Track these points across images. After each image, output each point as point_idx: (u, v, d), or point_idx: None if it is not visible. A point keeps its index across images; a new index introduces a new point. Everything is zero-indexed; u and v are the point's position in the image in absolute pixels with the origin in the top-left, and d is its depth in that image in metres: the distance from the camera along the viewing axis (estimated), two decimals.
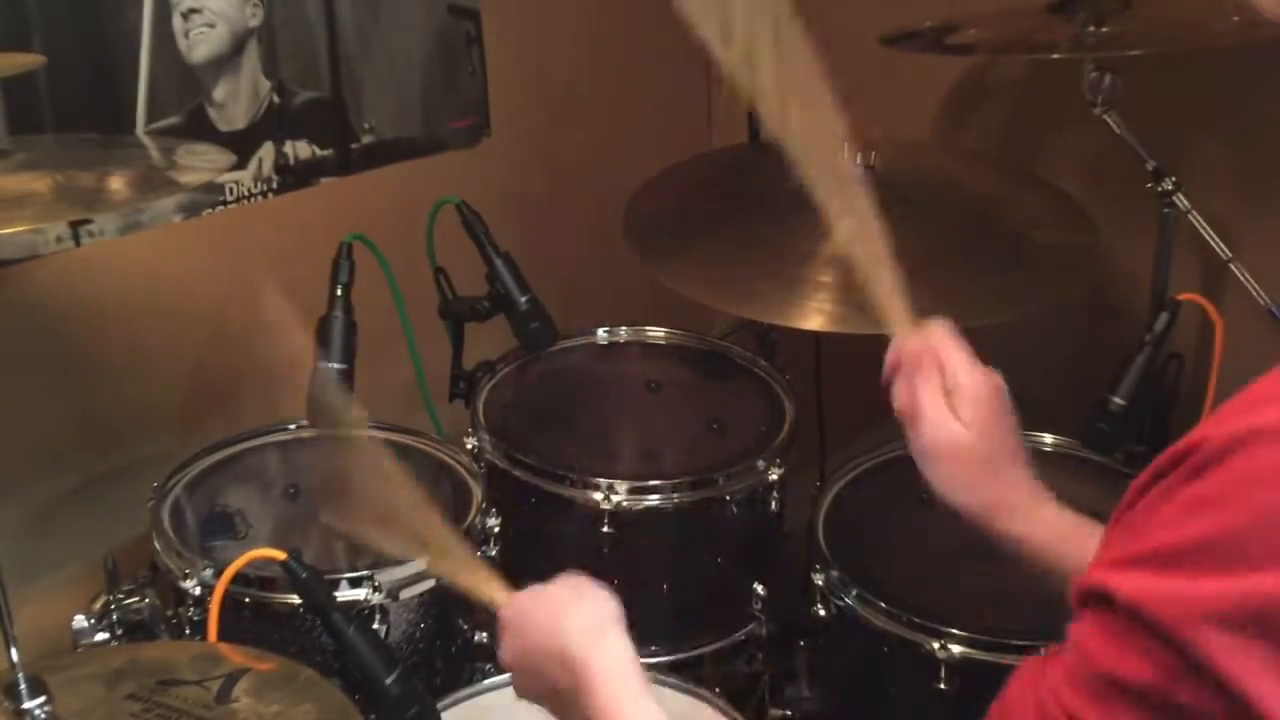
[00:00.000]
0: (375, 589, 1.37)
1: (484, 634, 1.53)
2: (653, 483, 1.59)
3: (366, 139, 1.87)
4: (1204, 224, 1.64)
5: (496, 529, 1.53)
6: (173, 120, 1.64)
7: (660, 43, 2.42)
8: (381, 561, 1.38)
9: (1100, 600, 0.66)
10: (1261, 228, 1.75)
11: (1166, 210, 1.65)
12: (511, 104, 2.08)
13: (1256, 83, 1.77)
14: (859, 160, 1.78)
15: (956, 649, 1.35)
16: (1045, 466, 1.72)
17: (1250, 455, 0.61)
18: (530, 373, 1.85)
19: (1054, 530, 1.04)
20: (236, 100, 1.71)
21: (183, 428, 1.71)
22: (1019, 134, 2.13)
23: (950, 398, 1.04)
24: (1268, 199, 1.82)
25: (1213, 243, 1.63)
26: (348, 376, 1.52)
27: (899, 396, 1.09)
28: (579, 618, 0.94)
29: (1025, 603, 1.50)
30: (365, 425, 1.25)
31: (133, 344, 1.67)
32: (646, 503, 1.58)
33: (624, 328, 1.92)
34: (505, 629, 1.00)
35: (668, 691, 1.39)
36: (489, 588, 1.05)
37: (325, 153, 1.83)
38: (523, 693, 1.00)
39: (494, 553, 1.53)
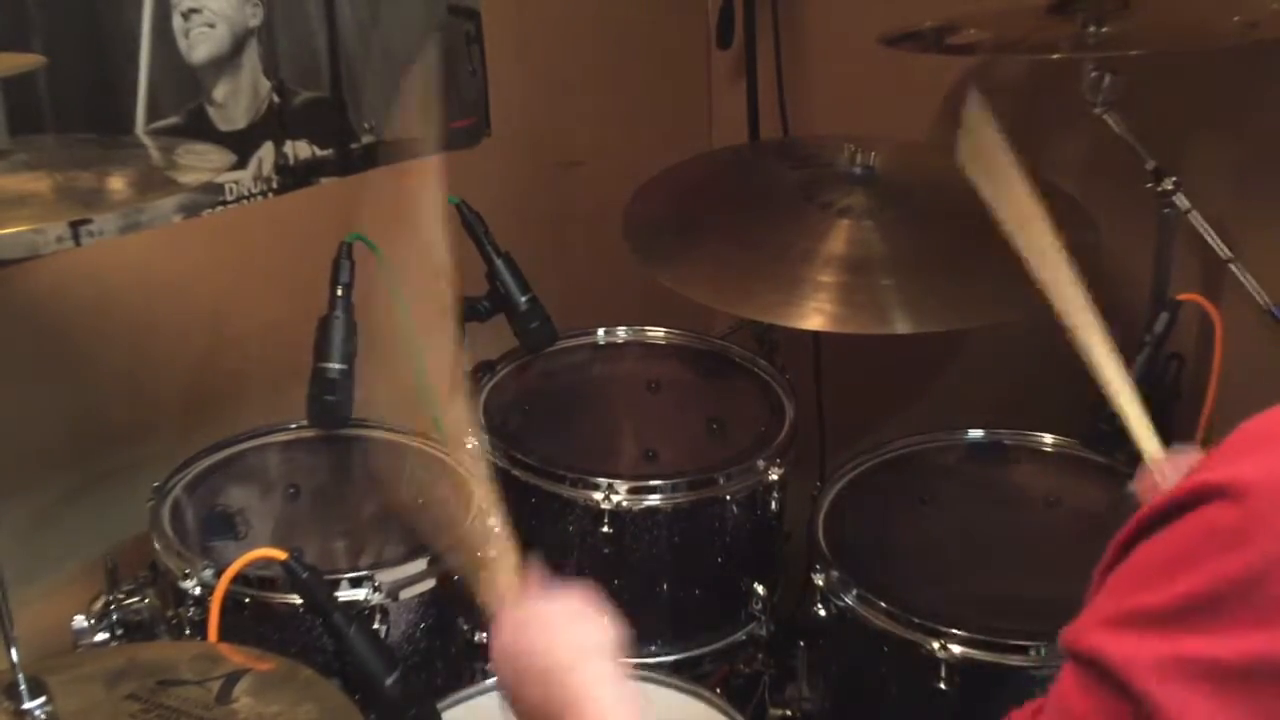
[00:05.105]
0: (375, 589, 1.36)
1: (484, 634, 1.53)
2: (652, 482, 1.58)
3: (366, 139, 1.87)
4: (1204, 224, 1.64)
5: (496, 529, 1.52)
6: (173, 120, 1.64)
7: (660, 43, 2.44)
8: (381, 562, 1.38)
9: (1088, 662, 0.66)
10: (1261, 228, 1.75)
11: (1166, 210, 1.65)
12: (511, 104, 2.08)
13: (1256, 83, 1.77)
14: (859, 160, 1.78)
15: (956, 649, 1.35)
16: (1046, 466, 1.74)
17: (1205, 514, 0.61)
18: (530, 373, 1.85)
19: None
20: (236, 100, 1.71)
21: (183, 428, 1.70)
22: (1019, 134, 2.12)
23: None
24: (1268, 199, 1.82)
25: (1213, 243, 1.63)
26: (347, 376, 1.52)
27: None
28: (572, 636, 0.94)
29: (1025, 603, 1.50)
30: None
31: (133, 344, 1.66)
32: (646, 503, 1.58)
33: (624, 328, 1.92)
34: (500, 629, 0.99)
35: (668, 691, 1.39)
36: (501, 573, 1.04)
37: (325, 153, 1.83)
38: (508, 699, 0.98)
39: (494, 553, 1.52)
